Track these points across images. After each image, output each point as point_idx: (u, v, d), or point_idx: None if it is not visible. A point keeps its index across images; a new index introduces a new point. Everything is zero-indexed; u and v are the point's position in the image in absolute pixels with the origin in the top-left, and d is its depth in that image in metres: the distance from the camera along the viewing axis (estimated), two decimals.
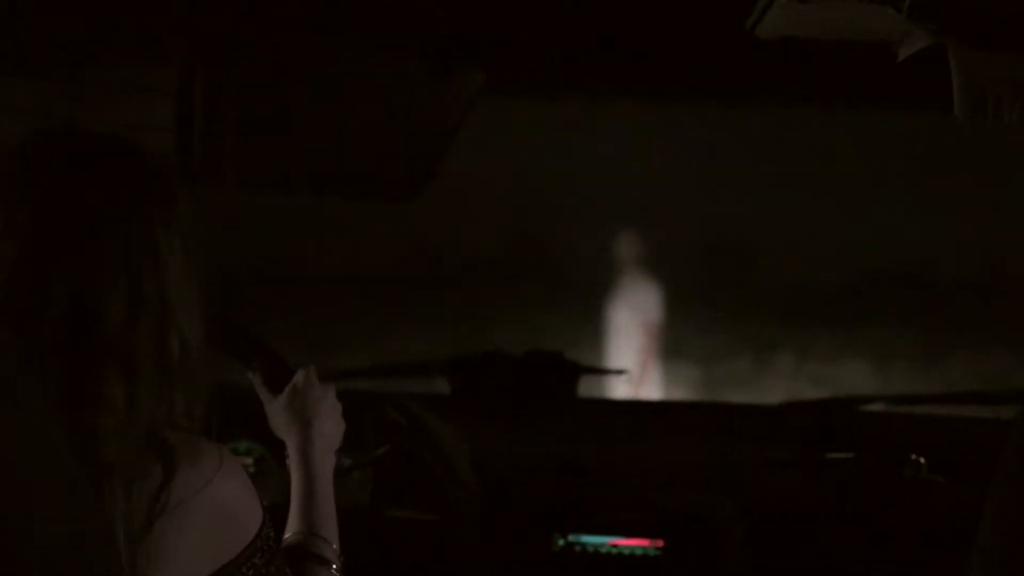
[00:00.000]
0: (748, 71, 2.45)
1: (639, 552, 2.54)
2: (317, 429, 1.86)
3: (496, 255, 8.37)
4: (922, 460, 2.64)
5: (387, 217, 4.25)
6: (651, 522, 2.56)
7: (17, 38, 1.95)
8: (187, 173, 1.95)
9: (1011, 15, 1.53)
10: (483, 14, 1.91)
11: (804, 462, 2.71)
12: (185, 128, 1.95)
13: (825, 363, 8.12)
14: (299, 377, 1.90)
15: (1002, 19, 1.53)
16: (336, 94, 1.99)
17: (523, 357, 3.21)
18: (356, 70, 1.98)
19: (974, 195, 7.34)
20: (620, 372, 5.36)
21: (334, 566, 1.77)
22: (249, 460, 2.53)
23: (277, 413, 1.90)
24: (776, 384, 7.98)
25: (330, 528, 1.80)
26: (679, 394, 7.73)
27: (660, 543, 2.54)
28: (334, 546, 1.79)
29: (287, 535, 1.79)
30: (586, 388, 3.33)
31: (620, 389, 6.62)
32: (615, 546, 2.55)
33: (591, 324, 7.77)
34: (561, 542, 2.56)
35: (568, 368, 3.25)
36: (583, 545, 2.56)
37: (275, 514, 1.81)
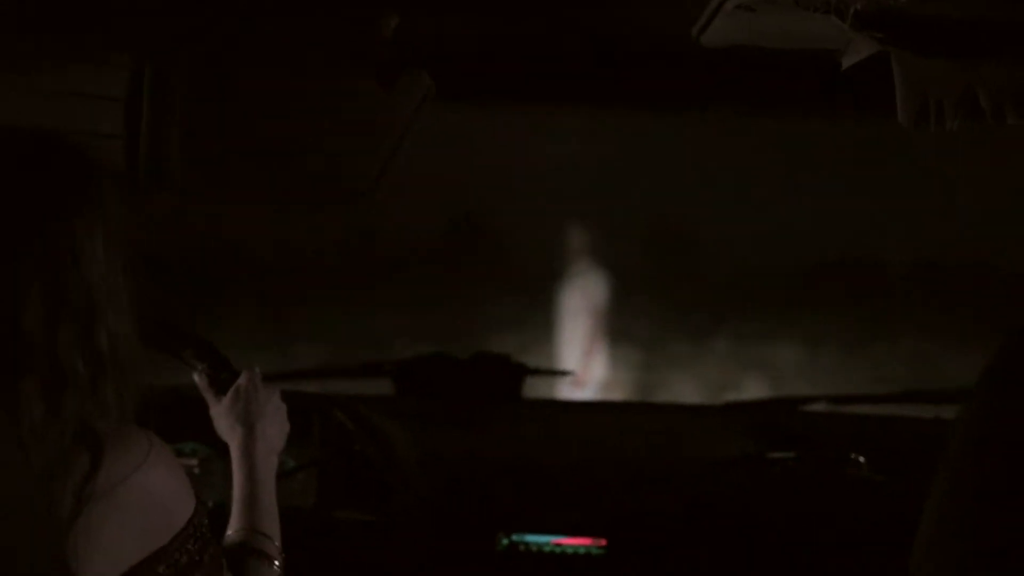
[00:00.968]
0: (693, 73, 2.48)
1: (582, 551, 2.55)
2: (260, 431, 1.86)
3: (440, 244, 8.41)
4: (862, 459, 2.66)
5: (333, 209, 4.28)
6: (594, 521, 2.57)
7: None
8: (134, 179, 1.95)
9: (953, 24, 1.55)
10: (431, 22, 1.91)
11: (747, 462, 2.74)
12: (133, 134, 1.95)
13: (762, 348, 8.23)
14: (243, 379, 1.91)
15: (944, 28, 1.55)
16: (283, 101, 1.99)
17: (469, 359, 3.22)
18: (303, 77, 1.98)
19: (914, 186, 7.43)
20: (565, 373, 5.38)
21: (276, 562, 1.78)
22: (194, 461, 2.53)
23: (221, 416, 1.90)
24: (714, 366, 8.09)
25: (272, 526, 1.81)
26: (621, 377, 7.80)
27: (603, 542, 2.55)
28: (276, 543, 1.79)
29: (229, 532, 1.79)
30: (531, 389, 3.34)
31: (565, 387, 6.65)
32: (559, 545, 2.56)
33: (536, 312, 7.82)
34: (505, 541, 2.57)
35: (514, 370, 3.26)
36: (527, 544, 2.57)
37: (220, 513, 1.81)
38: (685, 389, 7.87)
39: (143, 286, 1.57)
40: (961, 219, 7.49)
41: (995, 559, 1.23)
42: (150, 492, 1.52)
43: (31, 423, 1.46)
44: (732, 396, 5.24)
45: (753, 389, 7.65)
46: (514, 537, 2.57)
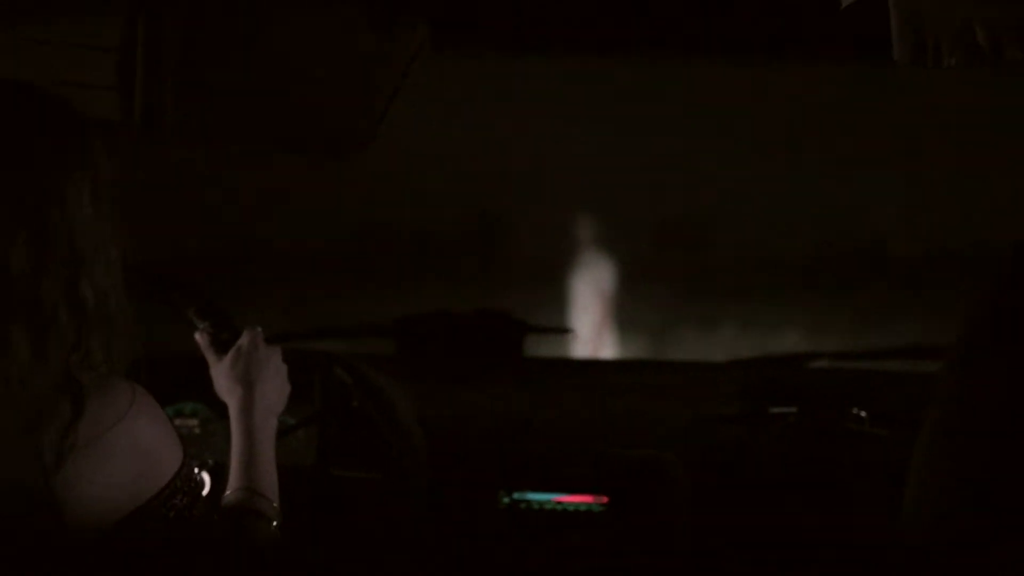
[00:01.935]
0: (705, 34, 2.45)
1: (584, 508, 2.56)
2: (260, 392, 1.86)
3: (448, 228, 8.36)
4: (863, 414, 2.66)
5: (336, 188, 4.25)
6: (596, 478, 2.58)
7: None
8: (129, 128, 1.94)
9: None
10: None
11: (748, 417, 2.74)
12: (127, 83, 1.94)
13: (770, 332, 8.19)
14: (244, 339, 1.90)
15: None
16: (276, 48, 1.98)
17: (469, 316, 3.21)
18: (296, 23, 1.97)
19: (923, 172, 7.39)
20: (566, 331, 5.35)
21: (274, 522, 1.78)
22: (195, 421, 2.53)
23: (221, 375, 1.90)
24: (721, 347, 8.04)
25: (270, 486, 1.81)
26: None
27: (604, 499, 2.55)
28: (274, 503, 1.79)
29: (227, 492, 1.79)
30: (532, 347, 3.34)
31: (567, 349, 6.63)
32: (560, 503, 2.56)
33: (545, 296, 7.80)
34: (506, 499, 2.57)
35: (514, 327, 3.25)
36: (528, 502, 2.57)
37: (220, 474, 1.81)
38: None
39: (149, 243, 1.58)
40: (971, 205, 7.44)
41: (979, 488, 1.29)
42: (134, 442, 1.53)
43: (18, 366, 1.47)
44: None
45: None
46: (515, 495, 2.57)
